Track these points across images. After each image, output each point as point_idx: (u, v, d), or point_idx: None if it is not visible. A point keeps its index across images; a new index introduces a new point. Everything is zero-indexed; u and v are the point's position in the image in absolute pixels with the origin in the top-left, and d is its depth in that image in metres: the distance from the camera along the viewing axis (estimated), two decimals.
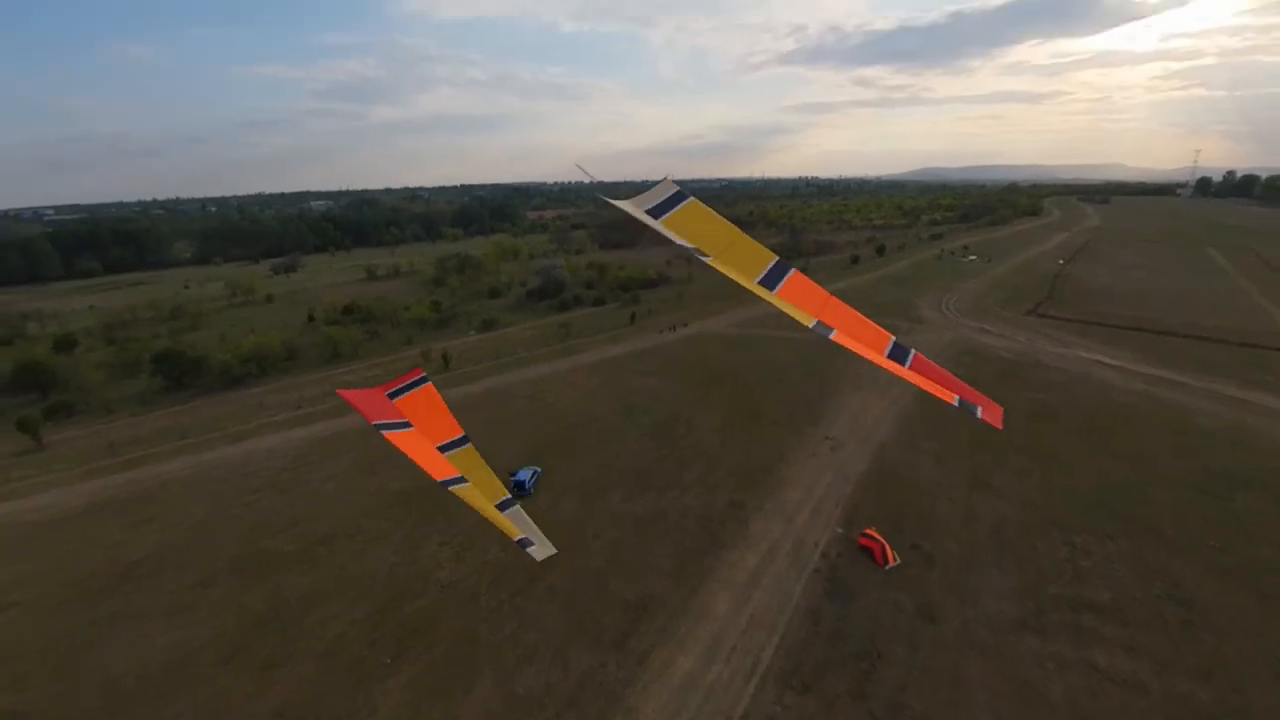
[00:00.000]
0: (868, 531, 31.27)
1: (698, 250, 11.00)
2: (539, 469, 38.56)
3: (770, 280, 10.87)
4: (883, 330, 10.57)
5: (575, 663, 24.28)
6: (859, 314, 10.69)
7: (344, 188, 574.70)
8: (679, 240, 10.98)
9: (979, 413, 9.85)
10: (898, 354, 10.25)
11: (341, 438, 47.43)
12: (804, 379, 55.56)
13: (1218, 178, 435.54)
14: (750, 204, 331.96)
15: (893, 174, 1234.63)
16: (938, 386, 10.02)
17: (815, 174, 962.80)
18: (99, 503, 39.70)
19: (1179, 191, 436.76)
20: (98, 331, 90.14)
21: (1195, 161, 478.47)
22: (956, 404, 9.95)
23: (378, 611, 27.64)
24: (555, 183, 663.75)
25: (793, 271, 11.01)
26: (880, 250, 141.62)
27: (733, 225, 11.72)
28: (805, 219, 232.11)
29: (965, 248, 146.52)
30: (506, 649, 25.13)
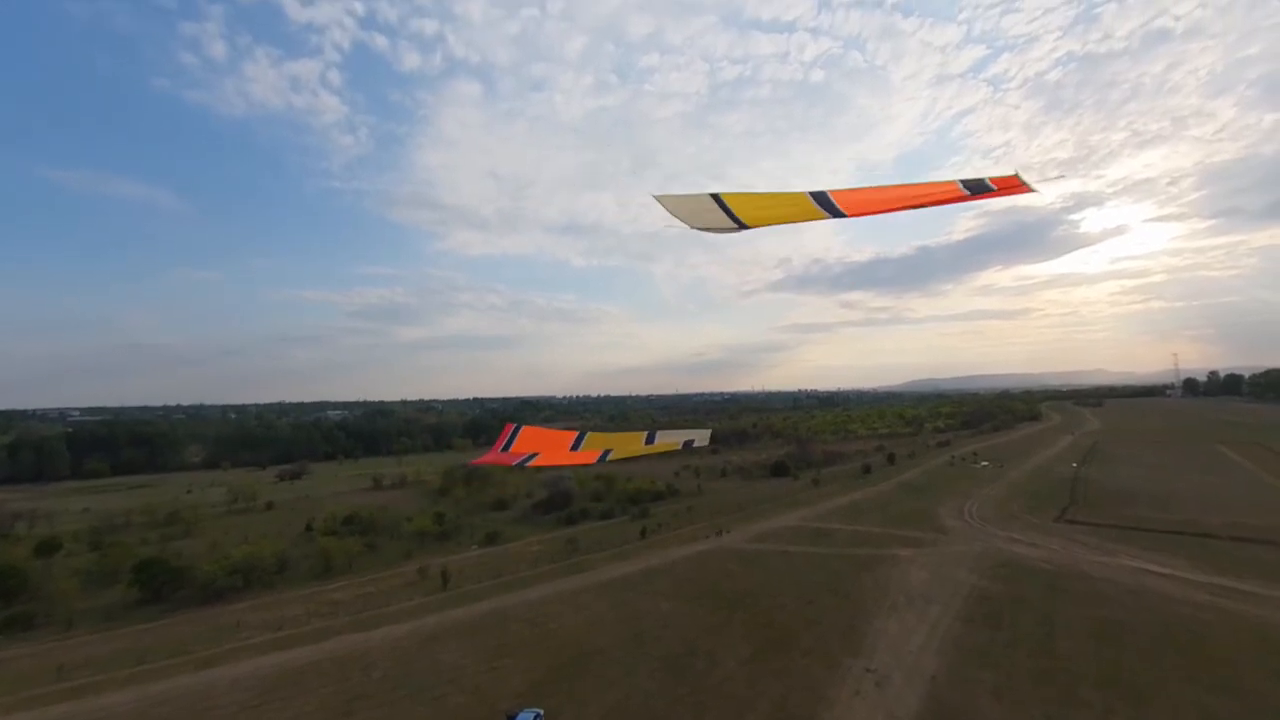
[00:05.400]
0: None
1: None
2: (540, 712, 33.38)
3: None
4: None
5: None
6: None
7: (361, 398, 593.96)
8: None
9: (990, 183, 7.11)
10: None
11: (320, 667, 42.13)
12: (833, 600, 50.93)
13: (1200, 378, 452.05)
14: (754, 415, 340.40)
15: (888, 385, 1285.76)
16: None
17: (814, 386, 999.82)
18: None
19: (1169, 392, 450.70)
20: (86, 535, 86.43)
21: (1175, 364, 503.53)
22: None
23: None
24: (564, 396, 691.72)
25: None
26: (891, 459, 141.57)
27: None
28: (810, 429, 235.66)
29: (975, 454, 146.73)
30: None
